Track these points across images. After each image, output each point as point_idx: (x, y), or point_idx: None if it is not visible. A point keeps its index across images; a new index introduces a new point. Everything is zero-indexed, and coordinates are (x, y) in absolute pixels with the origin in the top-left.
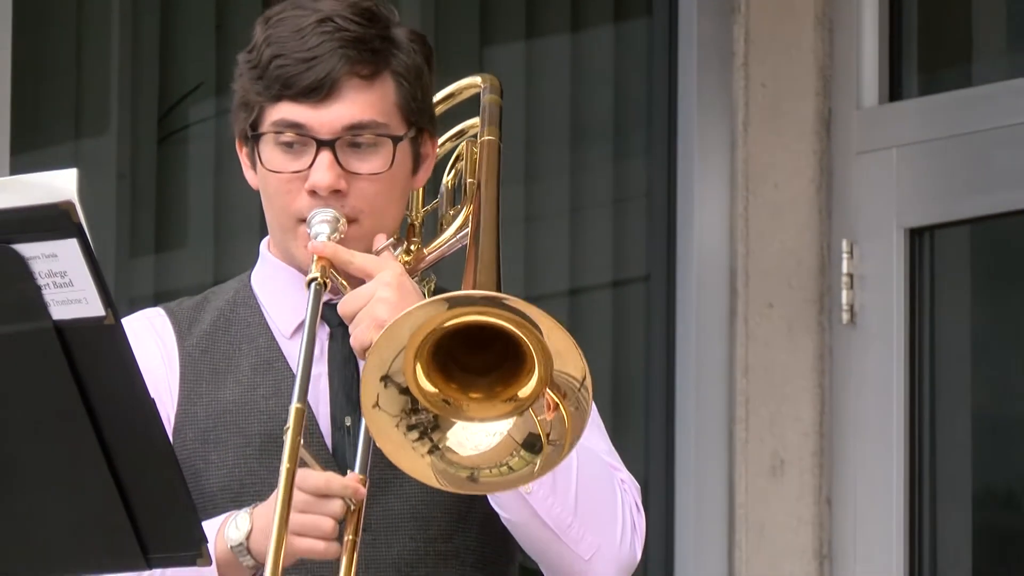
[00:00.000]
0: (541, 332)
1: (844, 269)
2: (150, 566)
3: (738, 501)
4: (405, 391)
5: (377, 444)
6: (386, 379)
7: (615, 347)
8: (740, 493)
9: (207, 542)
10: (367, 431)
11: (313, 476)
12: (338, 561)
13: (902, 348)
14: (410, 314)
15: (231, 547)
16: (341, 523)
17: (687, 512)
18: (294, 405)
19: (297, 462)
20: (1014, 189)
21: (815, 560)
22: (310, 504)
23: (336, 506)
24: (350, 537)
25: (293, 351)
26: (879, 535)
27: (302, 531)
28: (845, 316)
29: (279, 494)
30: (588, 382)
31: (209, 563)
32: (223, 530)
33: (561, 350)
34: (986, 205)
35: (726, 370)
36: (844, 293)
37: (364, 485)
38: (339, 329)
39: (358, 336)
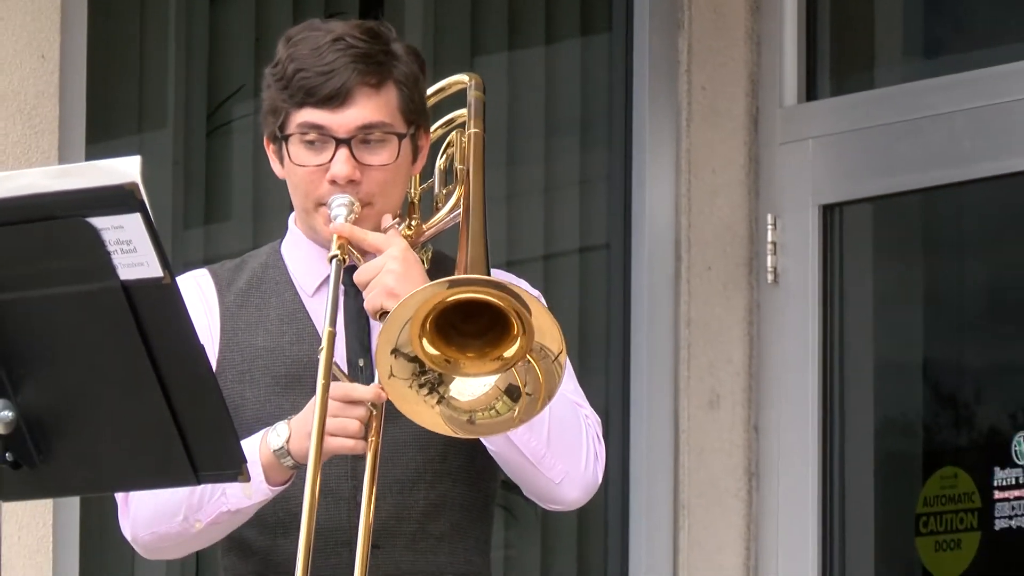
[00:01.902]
0: (530, 312)
1: (769, 238)
2: (199, 482)
3: (682, 429)
4: (413, 359)
5: (396, 406)
6: (396, 352)
7: (581, 303)
8: (684, 423)
9: (247, 462)
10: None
11: (342, 386)
12: (363, 456)
13: (816, 304)
14: (414, 296)
15: (273, 451)
16: (366, 426)
17: (640, 439)
18: (327, 329)
19: (330, 376)
20: (908, 173)
21: (745, 476)
22: (340, 409)
23: (362, 410)
24: (373, 437)
25: (313, 306)
26: (798, 457)
27: (334, 431)
28: (770, 277)
29: (317, 400)
30: (562, 356)
31: (248, 480)
32: (265, 439)
33: (544, 327)
34: (886, 186)
35: (672, 322)
36: (769, 258)
37: (385, 396)
38: (353, 289)
39: (371, 300)
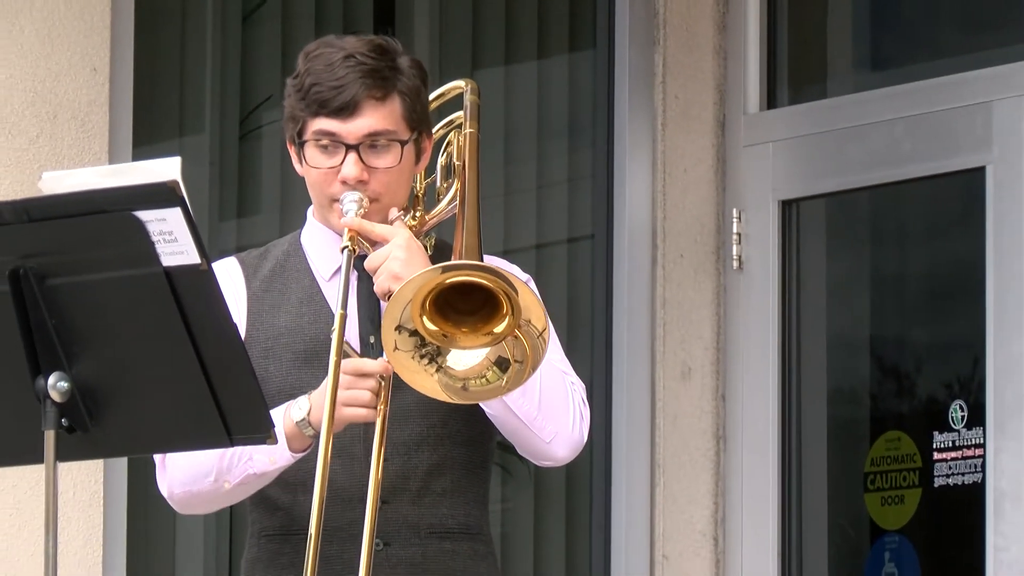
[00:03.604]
0: (517, 292)
1: (734, 230)
2: (232, 444)
3: (658, 397)
4: (414, 333)
5: (399, 376)
6: (399, 328)
7: (568, 286)
8: (659, 392)
9: (275, 427)
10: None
11: (354, 361)
12: (373, 424)
13: (776, 288)
14: (414, 280)
15: (296, 422)
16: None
17: (621, 406)
18: (338, 312)
19: (341, 353)
20: (856, 173)
21: (713, 440)
22: (353, 382)
23: (372, 382)
24: (382, 406)
25: (330, 290)
26: (760, 422)
27: (348, 402)
28: (735, 264)
29: (330, 375)
30: (546, 333)
31: (276, 442)
32: (288, 412)
33: (529, 306)
34: (837, 184)
35: (649, 303)
36: (734, 248)
37: (392, 369)
38: (365, 274)
39: (380, 284)
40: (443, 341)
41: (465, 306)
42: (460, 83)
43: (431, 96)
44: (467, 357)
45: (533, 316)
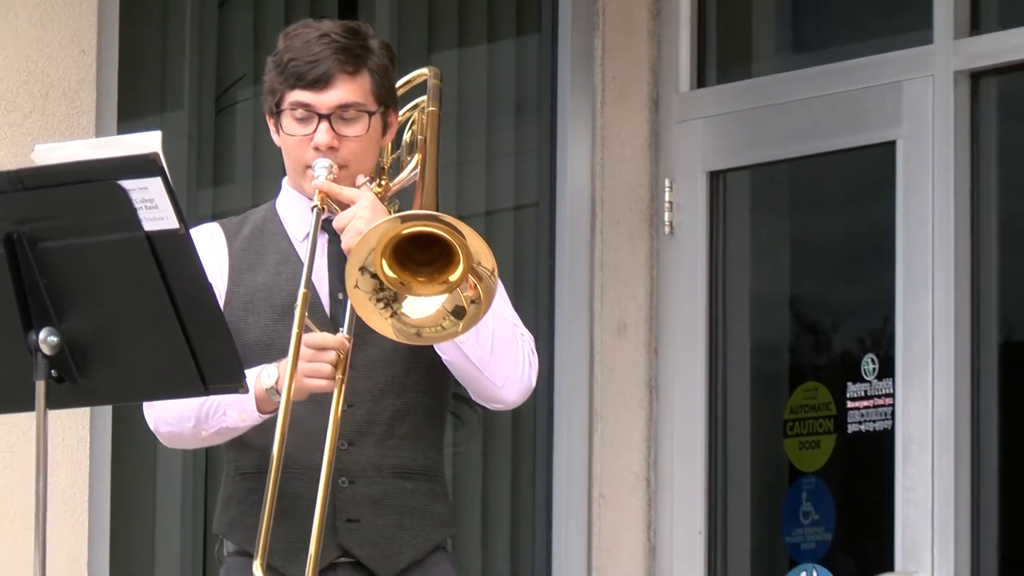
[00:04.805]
0: (464, 237)
1: (667, 198)
2: (208, 393)
3: (596, 351)
4: (375, 276)
5: (356, 311)
6: (363, 269)
7: (515, 250)
8: (597, 346)
9: (245, 376)
10: (352, 310)
11: (315, 336)
12: (331, 394)
13: (704, 252)
14: (377, 226)
15: (265, 388)
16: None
17: (562, 359)
18: (301, 290)
19: (303, 328)
20: (778, 146)
21: (646, 389)
22: (314, 356)
23: (332, 356)
24: (340, 376)
25: (303, 251)
26: (688, 373)
27: (309, 374)
28: (667, 230)
29: (291, 348)
30: (495, 272)
31: (247, 391)
32: (259, 378)
33: (478, 250)
34: (760, 156)
35: (588, 265)
36: (666, 215)
37: (349, 343)
38: (335, 236)
39: (346, 241)
40: (400, 288)
41: (423, 258)
42: (425, 70)
43: (400, 82)
44: (423, 306)
45: (483, 257)
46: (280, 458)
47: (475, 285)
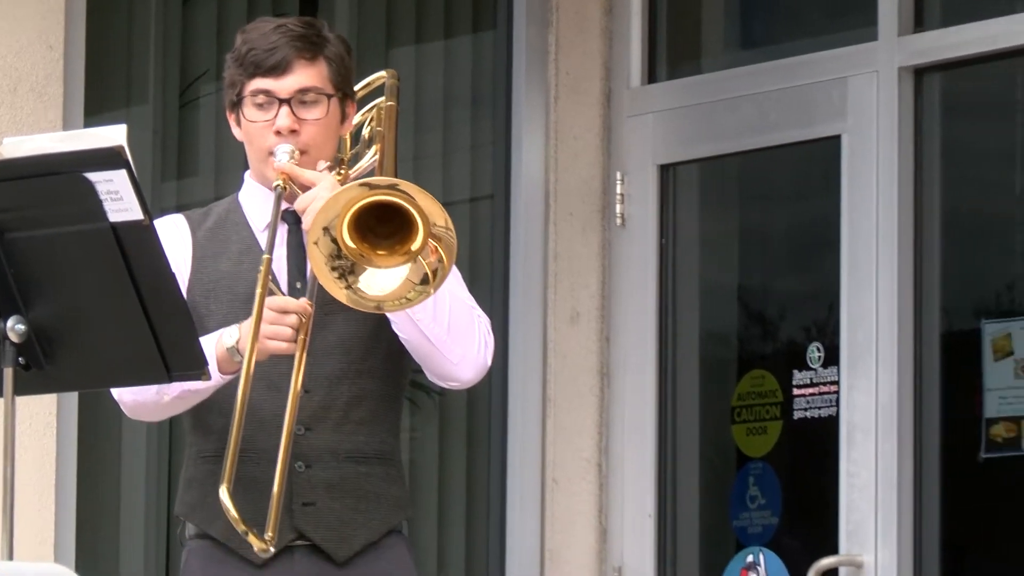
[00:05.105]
0: (415, 199)
1: (618, 191)
2: (171, 380)
3: (550, 339)
4: (335, 240)
5: (312, 269)
6: (326, 230)
7: (472, 241)
8: (551, 334)
9: (208, 365)
10: (313, 277)
11: (278, 299)
12: (293, 356)
13: (654, 242)
14: (343, 191)
15: (226, 348)
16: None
17: (517, 346)
18: (264, 256)
19: (267, 290)
20: (727, 140)
21: (598, 375)
22: (276, 318)
23: (293, 319)
24: (302, 336)
25: (265, 240)
26: (639, 361)
27: (271, 336)
28: (619, 221)
29: (255, 310)
30: (450, 224)
31: (210, 379)
32: (220, 338)
33: (431, 210)
34: (709, 150)
35: (542, 255)
36: (618, 206)
37: (311, 307)
38: (294, 227)
39: (307, 221)
40: (359, 259)
41: (383, 230)
42: (383, 73)
43: (358, 85)
44: (384, 280)
45: (436, 217)
46: (243, 408)
47: (436, 248)
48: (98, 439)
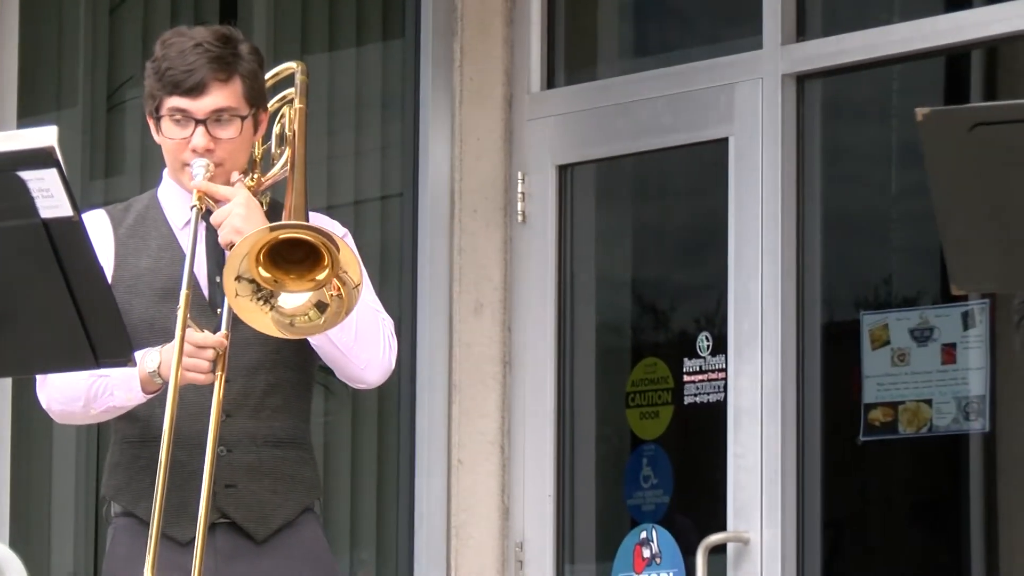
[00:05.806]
0: (338, 249)
1: (519, 189)
2: (99, 366)
3: (455, 329)
4: (252, 281)
5: (241, 318)
6: (239, 278)
7: (382, 237)
8: (456, 324)
9: (133, 351)
10: (230, 308)
11: (196, 335)
12: (212, 386)
13: (553, 237)
14: (248, 237)
15: (148, 372)
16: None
17: (424, 336)
18: (183, 291)
19: (186, 326)
20: (623, 141)
21: (500, 363)
22: (194, 351)
23: (211, 353)
24: (219, 372)
25: (183, 238)
26: (539, 350)
27: (190, 368)
28: (520, 218)
29: (176, 347)
30: (360, 285)
31: (135, 365)
32: (142, 362)
33: (347, 261)
34: (606, 151)
35: (448, 250)
36: (519, 204)
37: (227, 340)
38: (211, 227)
39: (223, 236)
40: (274, 286)
41: (294, 256)
42: (292, 64)
43: (268, 75)
44: (294, 299)
45: (350, 270)
46: (171, 436)
47: (338, 288)
48: (32, 427)
